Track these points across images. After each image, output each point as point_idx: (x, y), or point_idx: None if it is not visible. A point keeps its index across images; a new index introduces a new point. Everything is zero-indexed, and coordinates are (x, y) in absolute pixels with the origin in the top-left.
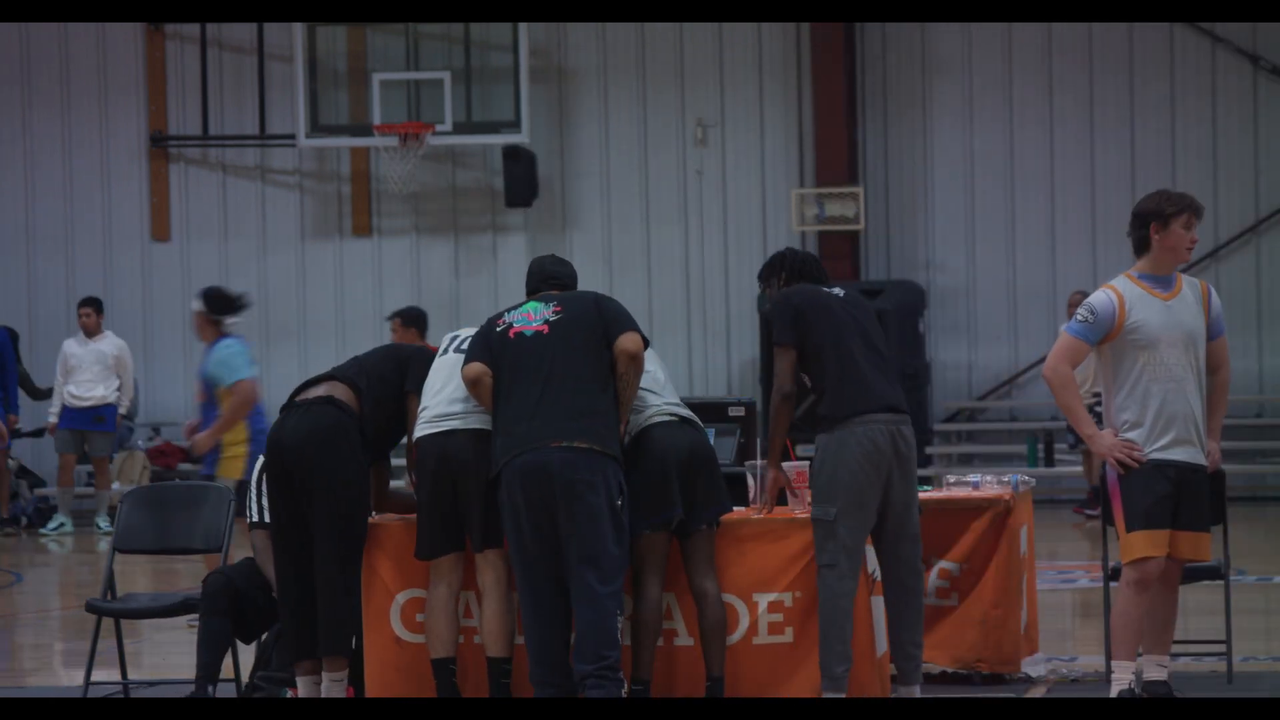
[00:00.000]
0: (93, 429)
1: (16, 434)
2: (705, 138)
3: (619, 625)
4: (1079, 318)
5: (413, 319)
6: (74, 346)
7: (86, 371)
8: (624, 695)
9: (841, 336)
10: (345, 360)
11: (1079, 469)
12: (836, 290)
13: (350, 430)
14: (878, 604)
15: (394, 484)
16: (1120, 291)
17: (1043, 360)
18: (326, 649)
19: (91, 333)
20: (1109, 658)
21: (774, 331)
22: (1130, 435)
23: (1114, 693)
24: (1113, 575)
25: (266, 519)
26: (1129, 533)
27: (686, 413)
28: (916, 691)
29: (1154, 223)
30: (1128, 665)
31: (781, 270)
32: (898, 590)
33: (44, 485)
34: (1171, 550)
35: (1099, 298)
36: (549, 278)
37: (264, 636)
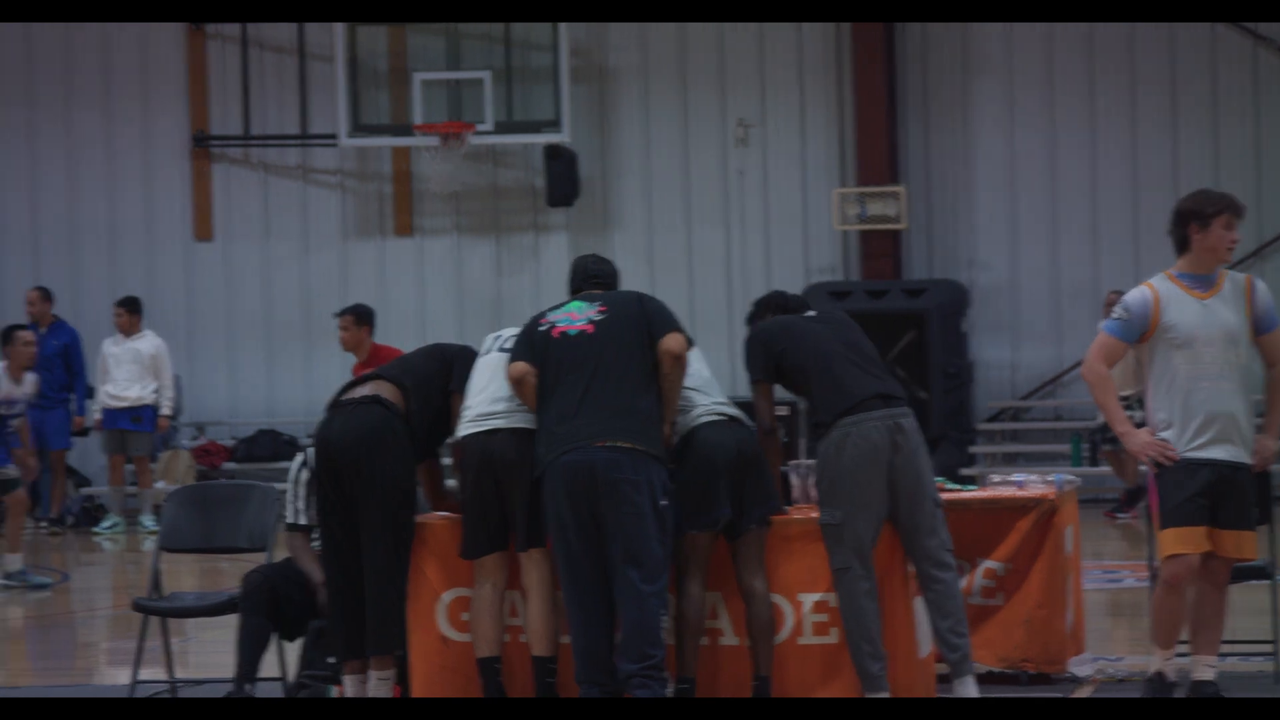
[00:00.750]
0: (131, 429)
1: (82, 433)
2: (746, 137)
3: (663, 624)
4: (1115, 315)
5: (364, 316)
6: (111, 346)
7: (123, 370)
8: (668, 694)
9: (819, 347)
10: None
11: None
12: (810, 313)
13: (398, 429)
14: (920, 605)
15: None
16: (1157, 290)
17: None
18: (375, 647)
19: (127, 332)
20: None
21: (749, 369)
22: (1165, 434)
23: (1149, 672)
24: (1157, 574)
25: (301, 520)
26: (1161, 530)
27: (735, 411)
28: (970, 683)
29: (1194, 222)
30: (1163, 653)
31: (767, 311)
32: (926, 582)
33: (89, 485)
34: (1215, 548)
35: (1134, 296)
36: (591, 277)
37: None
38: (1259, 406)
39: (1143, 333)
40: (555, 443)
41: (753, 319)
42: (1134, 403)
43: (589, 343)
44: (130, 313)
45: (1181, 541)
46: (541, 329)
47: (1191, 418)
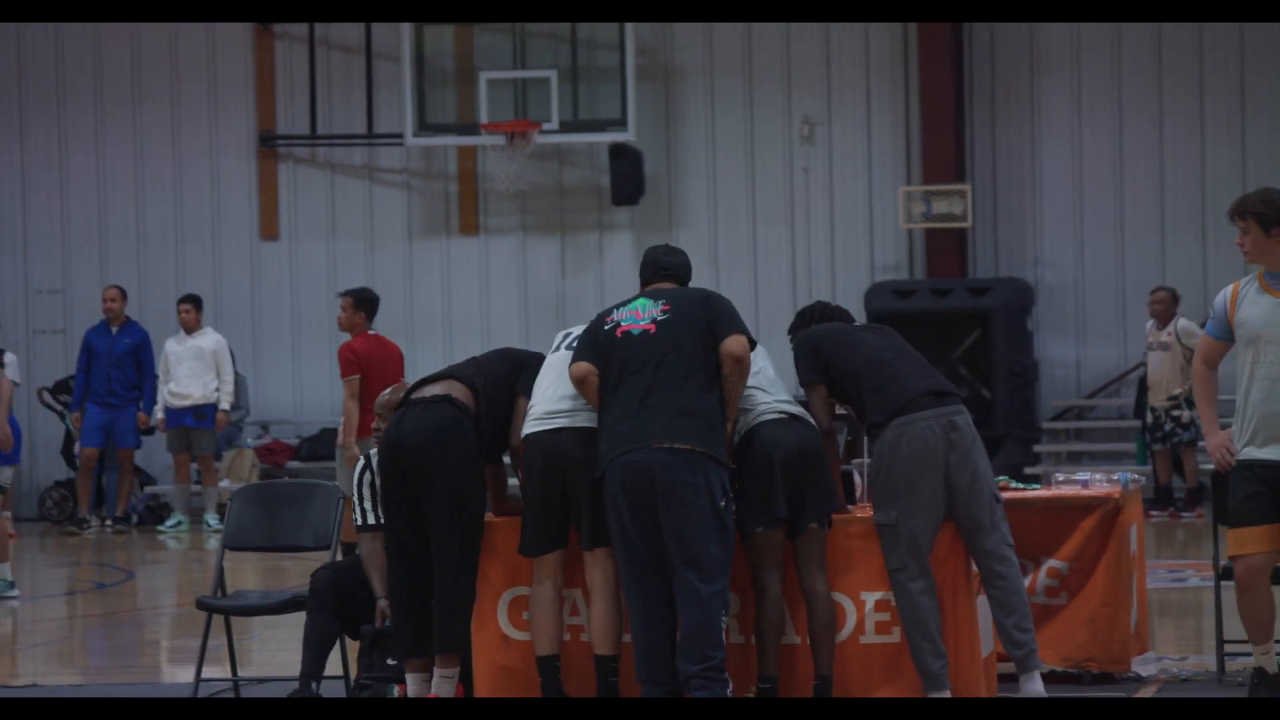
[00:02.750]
0: (194, 426)
1: (149, 432)
2: (812, 136)
3: (724, 625)
4: (1211, 315)
5: (364, 301)
6: (174, 345)
7: (185, 368)
8: (729, 695)
9: (867, 351)
10: (460, 360)
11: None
12: (857, 324)
13: (468, 429)
14: (982, 604)
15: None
16: (1239, 287)
17: None
18: (441, 646)
19: (190, 329)
20: (1220, 657)
21: (799, 374)
22: (1236, 434)
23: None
24: (1224, 574)
25: (370, 520)
26: (1227, 530)
27: (797, 410)
28: (1036, 679)
29: (1276, 226)
30: (1257, 649)
31: (810, 320)
32: (989, 579)
33: (153, 483)
34: None
35: (1220, 295)
36: (662, 269)
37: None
38: None
39: (1229, 329)
40: (616, 442)
41: (795, 329)
42: (1183, 401)
43: (651, 342)
44: (198, 310)
45: (1239, 543)
46: (606, 328)
47: (1250, 417)
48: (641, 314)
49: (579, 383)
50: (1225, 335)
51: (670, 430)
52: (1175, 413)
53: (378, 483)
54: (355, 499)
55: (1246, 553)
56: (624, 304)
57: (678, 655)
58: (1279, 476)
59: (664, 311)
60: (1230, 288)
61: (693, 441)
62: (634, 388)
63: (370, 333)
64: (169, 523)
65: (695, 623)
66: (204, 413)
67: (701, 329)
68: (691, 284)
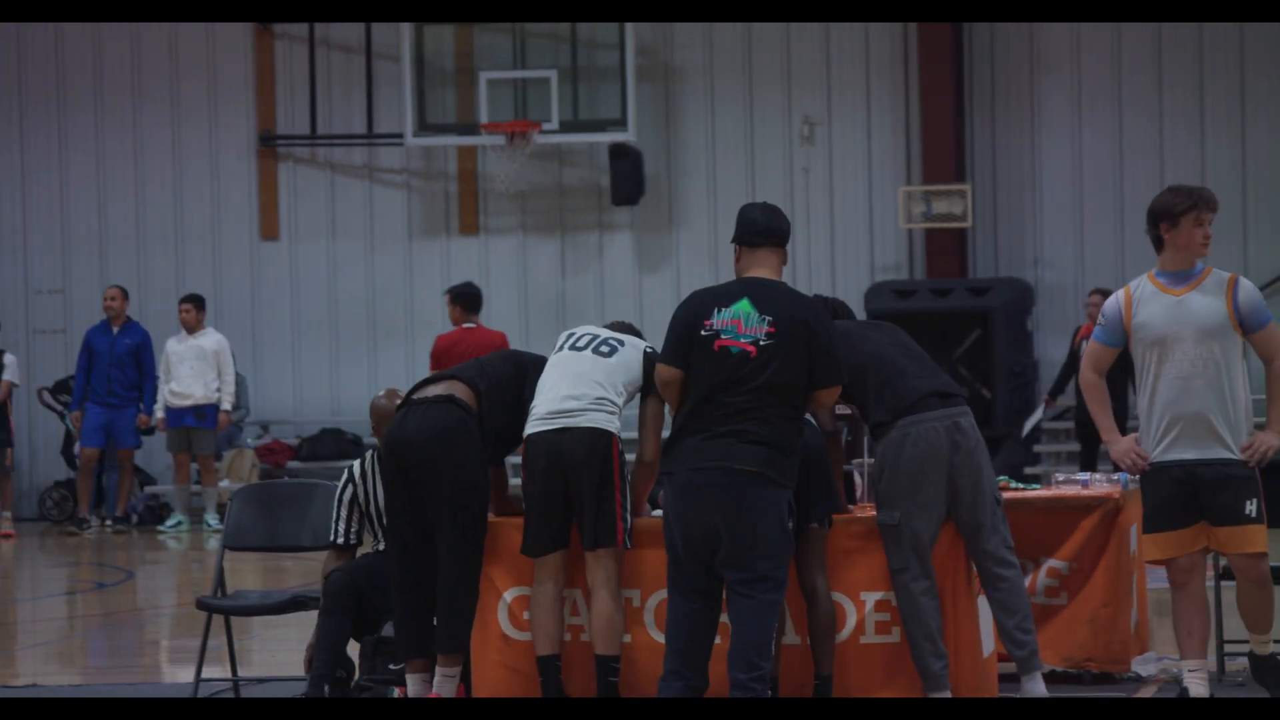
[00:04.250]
0: (195, 425)
1: (149, 432)
2: (812, 136)
3: (774, 637)
4: (1098, 322)
5: (460, 296)
6: (175, 344)
7: (186, 368)
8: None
9: (873, 349)
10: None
11: None
12: (860, 321)
13: (472, 429)
14: (983, 604)
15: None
16: (1131, 291)
17: None
18: (444, 645)
19: (191, 329)
20: (1220, 656)
21: None
22: (1145, 438)
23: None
24: (1223, 574)
25: (339, 540)
26: (1144, 536)
27: None
28: (1038, 680)
29: (1163, 222)
30: (1188, 663)
31: None
32: (991, 581)
33: (153, 483)
34: (1218, 548)
35: (1110, 299)
36: (761, 231)
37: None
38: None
39: (1124, 335)
40: (684, 455)
41: None
42: None
43: (748, 368)
44: (199, 309)
45: (1158, 548)
46: (704, 334)
47: (1159, 419)
48: (744, 329)
49: (664, 385)
50: (1119, 341)
51: (747, 455)
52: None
53: (363, 497)
54: (334, 514)
55: (1162, 558)
56: (724, 301)
57: (728, 663)
58: (1194, 476)
59: (769, 336)
60: (1121, 294)
61: (763, 466)
62: (719, 406)
63: (467, 325)
64: (169, 523)
65: (750, 635)
66: (205, 412)
67: (802, 369)
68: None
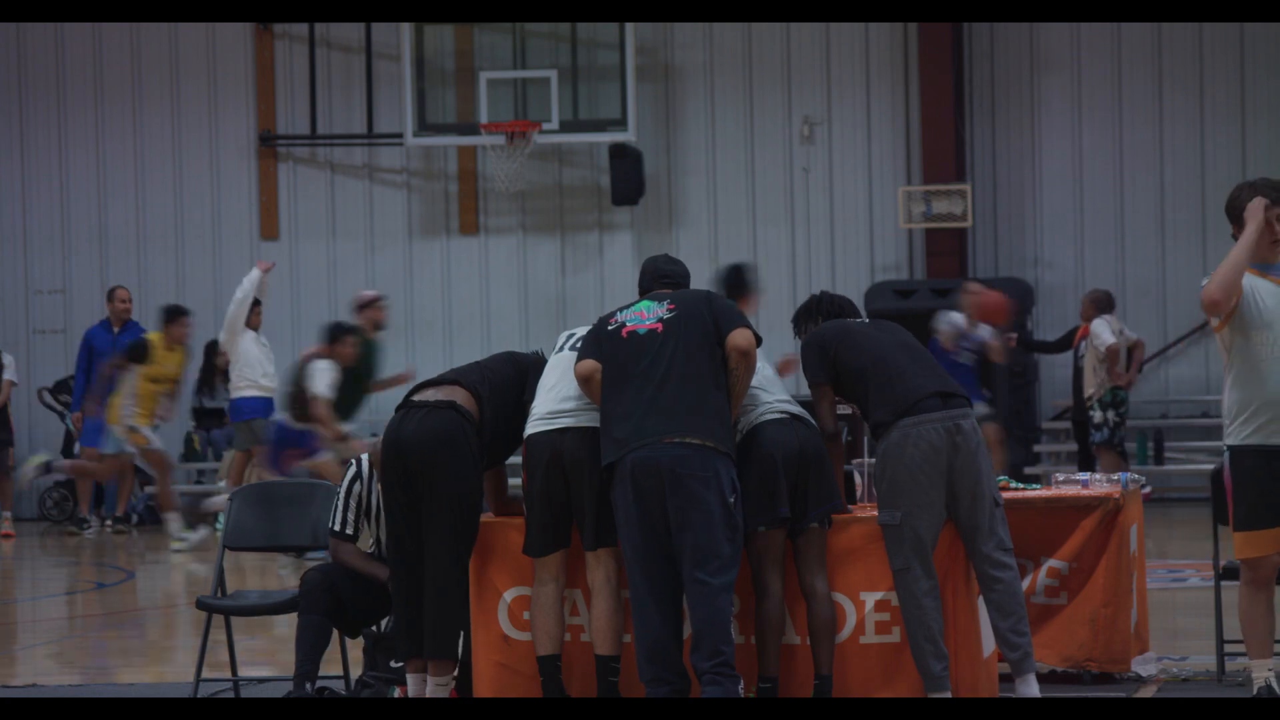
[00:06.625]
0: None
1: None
2: (812, 135)
3: (732, 622)
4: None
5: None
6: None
7: (272, 361)
8: (740, 691)
9: (875, 348)
10: (461, 363)
11: (1189, 467)
12: (863, 319)
13: (470, 438)
14: (983, 604)
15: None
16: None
17: (1153, 358)
18: (432, 651)
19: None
20: (1220, 657)
21: (806, 372)
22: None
23: (1254, 690)
24: (1224, 574)
25: (348, 530)
26: (1236, 532)
27: (798, 410)
28: (1031, 682)
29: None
30: (1261, 663)
31: (817, 314)
32: (987, 582)
33: (153, 483)
34: None
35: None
36: (662, 276)
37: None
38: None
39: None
40: (623, 440)
41: (799, 321)
42: (1095, 402)
43: (658, 341)
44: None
45: (1255, 545)
46: (610, 328)
47: (1266, 405)
48: (647, 314)
49: (584, 381)
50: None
51: (680, 426)
52: (1090, 412)
53: (364, 493)
54: (338, 504)
55: (1263, 554)
56: (627, 306)
57: (690, 652)
58: None
59: (670, 311)
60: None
61: (703, 436)
62: (642, 386)
63: None
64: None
65: (706, 619)
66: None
67: (707, 326)
68: (693, 285)
